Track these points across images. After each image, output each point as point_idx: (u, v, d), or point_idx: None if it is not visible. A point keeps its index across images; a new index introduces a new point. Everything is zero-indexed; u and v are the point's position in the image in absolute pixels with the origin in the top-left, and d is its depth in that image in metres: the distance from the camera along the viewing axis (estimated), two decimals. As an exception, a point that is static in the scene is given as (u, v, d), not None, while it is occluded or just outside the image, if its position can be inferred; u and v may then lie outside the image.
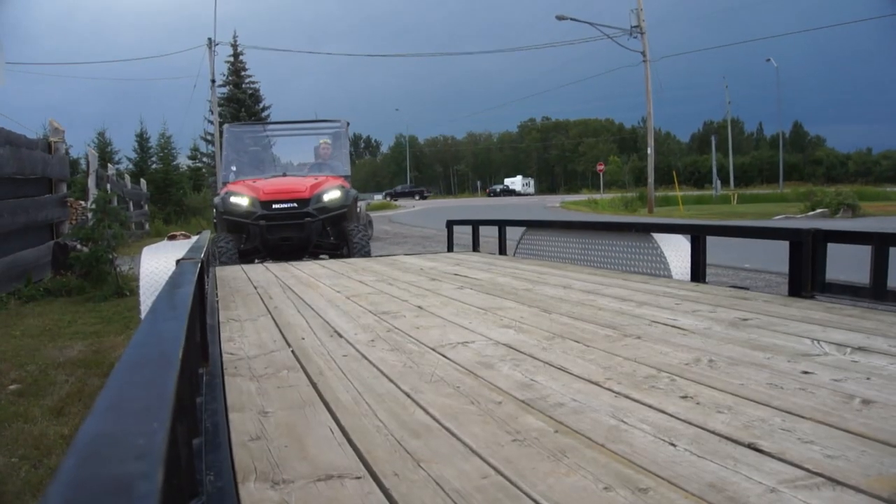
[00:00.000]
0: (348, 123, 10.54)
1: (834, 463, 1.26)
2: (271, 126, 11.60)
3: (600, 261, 5.23)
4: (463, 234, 8.21)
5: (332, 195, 8.81)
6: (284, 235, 8.59)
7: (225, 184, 9.36)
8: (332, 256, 9.67)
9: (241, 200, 8.60)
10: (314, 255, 9.53)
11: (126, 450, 0.61)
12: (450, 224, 7.98)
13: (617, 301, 3.39)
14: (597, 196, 45.88)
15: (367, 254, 8.52)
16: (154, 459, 0.59)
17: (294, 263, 6.53)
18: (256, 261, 9.03)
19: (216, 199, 9.33)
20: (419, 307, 3.40)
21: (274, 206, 8.46)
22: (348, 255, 8.59)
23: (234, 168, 9.72)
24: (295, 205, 8.53)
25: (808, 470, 1.24)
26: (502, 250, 6.76)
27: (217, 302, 3.69)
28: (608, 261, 5.14)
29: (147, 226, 25.84)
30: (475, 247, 7.31)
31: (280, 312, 3.35)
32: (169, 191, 33.24)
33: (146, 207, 27.00)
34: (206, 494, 1.19)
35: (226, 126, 11.08)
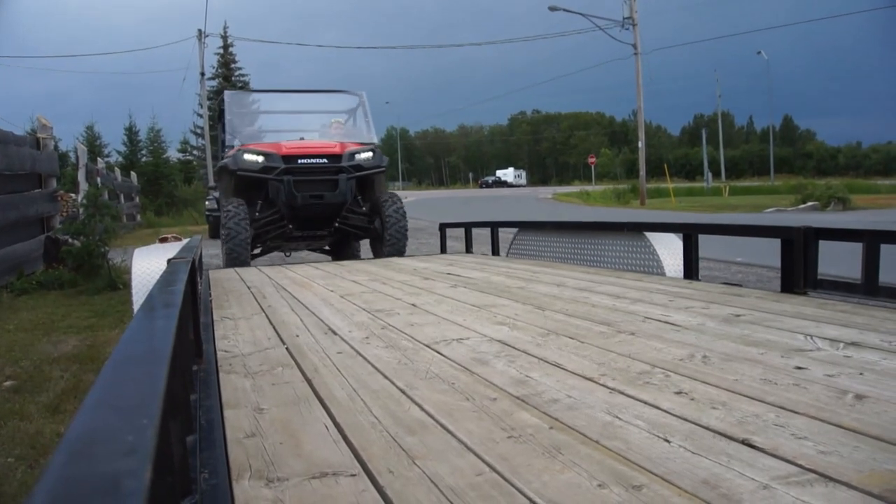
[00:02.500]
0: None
1: (827, 459, 1.27)
2: (276, 94, 9.98)
3: (594, 260, 5.25)
4: (456, 233, 8.22)
5: (365, 155, 7.74)
6: (315, 193, 7.36)
7: (230, 147, 8.11)
8: (338, 255, 8.86)
9: (258, 157, 7.35)
10: (334, 249, 8.71)
11: (115, 447, 0.61)
12: (442, 227, 8.01)
13: (610, 298, 3.39)
14: (588, 188, 45.92)
15: (402, 234, 7.65)
16: (143, 456, 0.59)
17: (288, 266, 6.47)
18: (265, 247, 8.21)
19: (225, 160, 7.92)
20: (413, 305, 3.40)
21: (300, 160, 7.37)
22: (377, 236, 7.81)
23: (236, 139, 8.23)
24: (325, 160, 7.46)
25: (801, 466, 1.24)
26: (495, 251, 6.77)
27: (210, 301, 3.68)
28: (601, 260, 5.15)
29: (139, 217, 25.80)
30: (468, 248, 7.32)
31: (274, 311, 3.35)
32: (160, 183, 33.20)
33: (137, 199, 26.95)
34: (199, 492, 1.19)
35: (226, 92, 9.60)
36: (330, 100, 9.65)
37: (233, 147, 7.95)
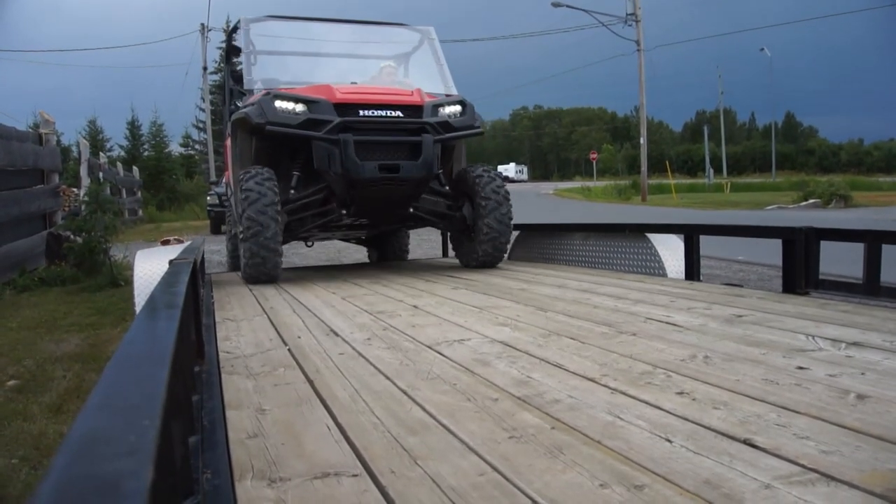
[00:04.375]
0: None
1: (829, 458, 1.27)
2: (307, 24, 6.71)
3: (595, 262, 5.25)
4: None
5: (453, 108, 5.30)
6: (388, 162, 4.89)
7: (248, 93, 5.69)
8: (381, 252, 7.39)
9: (298, 105, 4.88)
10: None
11: (117, 447, 0.61)
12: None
13: (612, 299, 3.40)
14: (590, 184, 45.93)
15: (504, 226, 5.28)
16: (144, 457, 0.59)
17: (288, 267, 6.11)
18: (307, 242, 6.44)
19: (244, 110, 5.19)
20: (415, 306, 3.41)
21: (363, 112, 4.91)
22: (464, 228, 5.52)
23: (258, 81, 5.70)
24: (400, 114, 5.02)
25: (803, 466, 1.24)
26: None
27: (213, 303, 3.68)
28: (603, 262, 5.15)
29: (140, 212, 25.82)
30: None
31: (276, 312, 3.35)
32: (162, 177, 33.29)
33: (139, 194, 26.99)
34: (202, 493, 1.19)
35: (242, 19, 6.15)
36: (382, 35, 6.87)
37: (253, 92, 5.60)
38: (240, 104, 5.85)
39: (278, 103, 4.85)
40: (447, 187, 5.61)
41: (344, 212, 5.22)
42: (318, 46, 6.56)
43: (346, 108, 4.89)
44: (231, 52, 6.44)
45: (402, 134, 5.02)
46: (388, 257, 7.48)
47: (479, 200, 5.24)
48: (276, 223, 4.63)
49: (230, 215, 6.99)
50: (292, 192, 5.12)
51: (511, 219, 5.32)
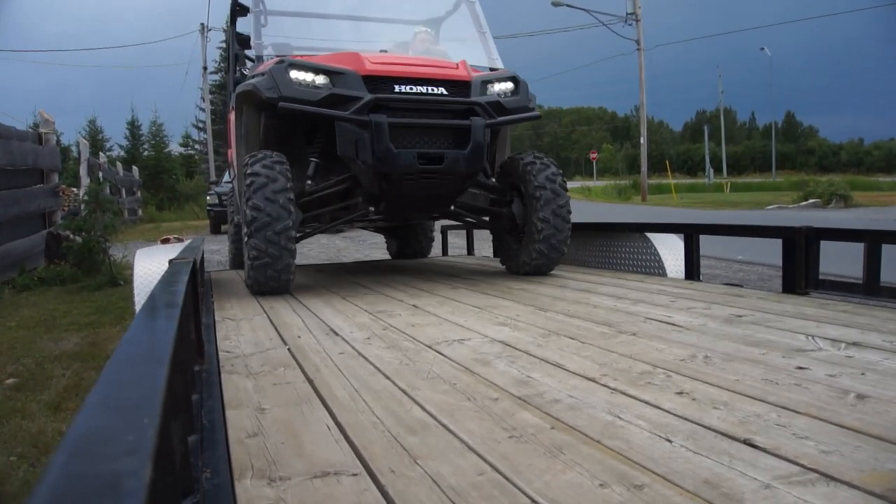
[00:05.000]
0: None
1: (829, 458, 1.27)
2: None
3: (595, 261, 5.25)
4: (456, 236, 8.11)
5: (504, 85, 4.41)
6: (429, 151, 4.01)
7: (258, 60, 4.83)
8: (402, 247, 6.81)
9: (319, 77, 4.02)
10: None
11: (116, 446, 0.61)
12: (444, 229, 7.85)
13: (612, 299, 3.40)
14: (590, 183, 45.96)
15: (562, 228, 4.34)
16: (143, 456, 0.59)
17: None
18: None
19: (251, 82, 4.26)
20: (414, 306, 3.40)
21: (398, 87, 4.02)
22: (513, 228, 4.64)
23: (268, 47, 4.83)
24: (443, 91, 4.09)
25: (803, 466, 1.24)
26: (496, 252, 6.72)
27: (212, 302, 3.68)
28: (603, 261, 5.15)
29: (140, 212, 25.81)
30: (469, 250, 7.26)
31: (276, 312, 3.34)
32: (161, 177, 33.31)
33: (139, 194, 26.98)
34: (201, 492, 1.19)
35: None
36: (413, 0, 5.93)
37: (262, 59, 4.74)
38: (246, 73, 5.09)
39: (294, 74, 3.99)
40: (493, 179, 4.75)
41: (371, 209, 4.44)
42: (338, 7, 5.66)
43: (379, 81, 4.03)
44: (236, 10, 5.49)
45: (447, 116, 4.13)
46: (407, 252, 6.82)
47: (531, 191, 4.34)
48: (290, 214, 3.75)
49: (232, 210, 6.32)
50: (309, 182, 4.28)
51: (570, 213, 4.40)
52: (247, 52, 5.27)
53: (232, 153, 5.75)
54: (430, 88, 4.05)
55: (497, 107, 4.21)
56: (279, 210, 3.70)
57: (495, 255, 5.13)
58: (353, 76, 3.98)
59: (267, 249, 3.70)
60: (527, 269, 4.49)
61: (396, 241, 6.99)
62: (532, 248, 4.36)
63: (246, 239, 3.79)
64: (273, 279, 3.82)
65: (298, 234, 4.15)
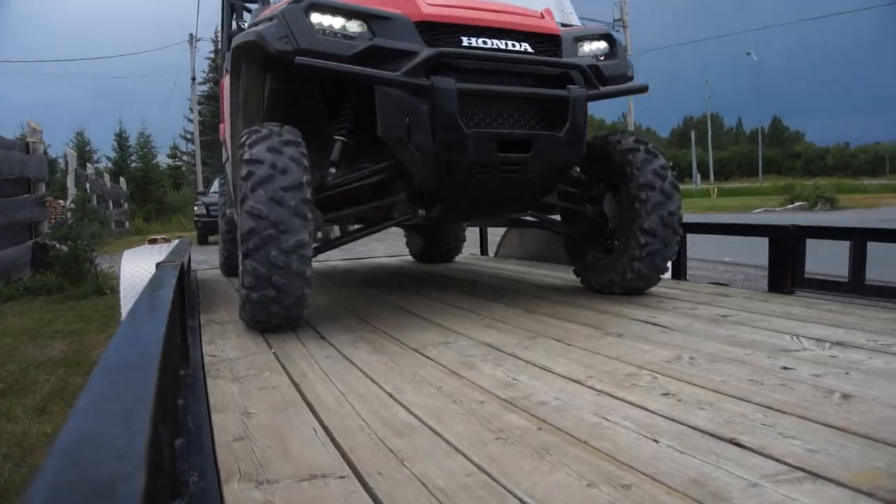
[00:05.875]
0: None
1: (814, 457, 1.28)
2: None
3: None
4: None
5: (597, 45, 3.34)
6: (512, 132, 2.91)
7: (263, 4, 3.57)
8: (428, 248, 5.61)
9: (352, 23, 2.83)
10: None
11: (107, 451, 0.61)
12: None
13: (598, 300, 3.40)
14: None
15: (670, 232, 3.32)
16: (136, 461, 0.59)
17: None
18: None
19: (256, 30, 2.90)
20: (401, 308, 3.39)
21: (466, 39, 2.88)
22: (605, 235, 3.56)
23: None
24: (527, 46, 3.00)
25: (789, 464, 1.25)
26: (483, 251, 6.74)
27: (198, 305, 3.65)
28: None
29: (127, 224, 25.68)
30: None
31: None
32: (149, 189, 33.17)
33: (126, 206, 26.83)
34: (189, 495, 1.19)
35: None
36: None
37: (268, 1, 3.58)
38: (246, 25, 3.85)
39: (317, 18, 2.81)
40: (577, 170, 3.59)
41: (422, 212, 3.28)
42: None
43: (439, 30, 2.89)
44: None
45: (533, 82, 3.05)
46: (433, 255, 5.69)
47: (632, 191, 3.30)
48: (306, 223, 2.62)
49: (223, 202, 5.30)
50: (332, 171, 3.07)
51: (681, 221, 3.43)
52: None
53: (224, 129, 4.50)
54: (510, 43, 2.96)
55: (597, 72, 3.19)
56: (290, 217, 2.58)
57: (571, 264, 3.86)
58: (403, 22, 2.85)
59: (271, 278, 2.58)
60: (615, 289, 3.47)
61: (422, 239, 5.71)
62: (628, 265, 3.33)
63: (241, 258, 2.64)
64: (279, 316, 2.72)
65: (315, 245, 2.93)
